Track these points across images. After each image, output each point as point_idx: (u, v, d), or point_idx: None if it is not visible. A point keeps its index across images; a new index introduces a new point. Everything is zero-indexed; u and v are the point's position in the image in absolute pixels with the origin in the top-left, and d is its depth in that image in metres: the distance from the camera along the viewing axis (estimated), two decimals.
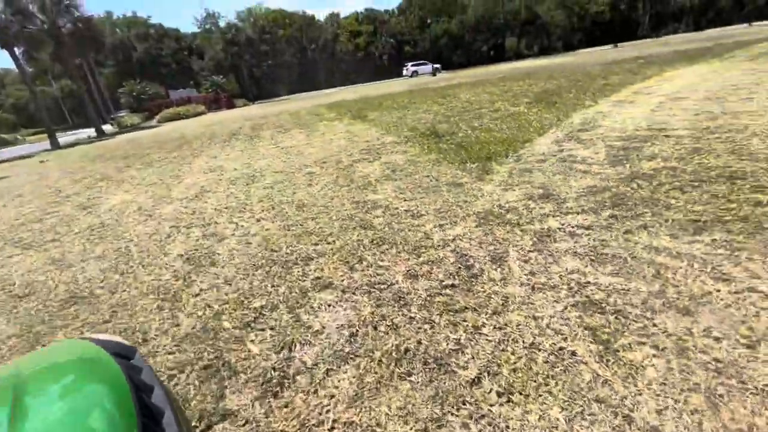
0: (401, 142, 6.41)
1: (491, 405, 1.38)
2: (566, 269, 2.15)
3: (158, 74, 52.52)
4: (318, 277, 2.48)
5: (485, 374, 1.52)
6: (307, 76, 61.80)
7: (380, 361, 1.67)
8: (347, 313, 2.05)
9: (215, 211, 4.30)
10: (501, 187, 3.64)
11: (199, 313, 2.27)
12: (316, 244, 3.00)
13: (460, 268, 2.32)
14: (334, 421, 1.42)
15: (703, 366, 1.41)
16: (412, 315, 1.95)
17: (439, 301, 2.03)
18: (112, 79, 53.02)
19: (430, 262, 2.44)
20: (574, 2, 58.60)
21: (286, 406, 1.52)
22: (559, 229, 2.64)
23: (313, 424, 1.42)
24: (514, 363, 1.55)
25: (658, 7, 59.08)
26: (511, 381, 1.47)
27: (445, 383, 1.50)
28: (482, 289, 2.07)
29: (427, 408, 1.41)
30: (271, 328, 2.02)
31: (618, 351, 1.52)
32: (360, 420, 1.40)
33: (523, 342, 1.65)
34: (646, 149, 4.15)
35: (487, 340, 1.70)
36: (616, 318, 1.71)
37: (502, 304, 1.92)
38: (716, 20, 55.21)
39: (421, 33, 60.17)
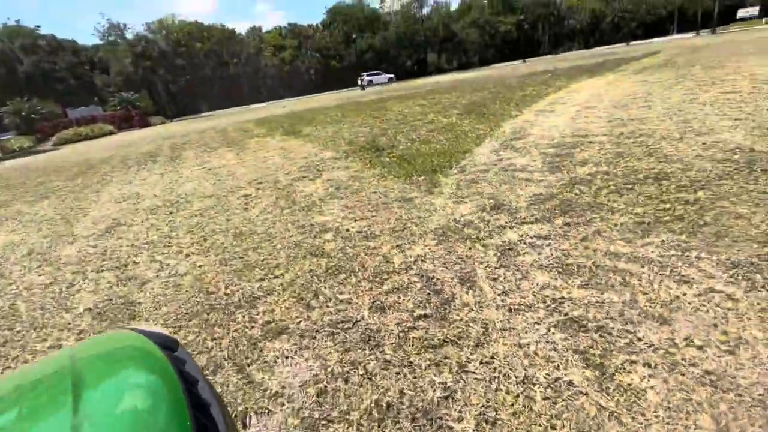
0: (341, 158, 6.18)
1: None
2: (537, 285, 2.07)
3: (52, 90, 46.31)
4: (269, 322, 2.12)
5: (484, 425, 1.32)
6: (231, 91, 59.01)
7: (359, 425, 1.40)
8: (310, 365, 1.74)
9: (132, 249, 3.66)
10: (452, 200, 3.57)
11: None
12: (262, 280, 2.62)
13: (429, 294, 2.14)
14: None
15: (698, 381, 1.36)
16: (387, 358, 1.71)
17: (414, 337, 1.81)
18: None
19: (395, 290, 2.22)
20: (485, 22, 63.84)
21: None
22: (520, 241, 2.59)
23: None
24: (512, 405, 1.38)
25: (555, 29, 66.79)
26: (515, 430, 1.29)
27: None
28: (458, 317, 1.90)
29: None
30: None
31: (614, 375, 1.43)
32: None
33: (516, 377, 1.49)
34: (576, 155, 4.40)
35: (476, 379, 1.51)
36: (600, 336, 1.64)
37: (483, 333, 1.76)
38: (600, 40, 63.89)
39: (347, 48, 61.01)
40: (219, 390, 1.60)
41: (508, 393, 1.43)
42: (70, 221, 5.06)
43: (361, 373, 1.65)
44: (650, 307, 1.77)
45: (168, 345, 0.61)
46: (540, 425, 1.29)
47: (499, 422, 1.33)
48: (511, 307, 1.91)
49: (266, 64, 61.83)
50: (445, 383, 1.52)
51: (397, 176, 4.61)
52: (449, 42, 64.76)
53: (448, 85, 20.00)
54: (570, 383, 1.43)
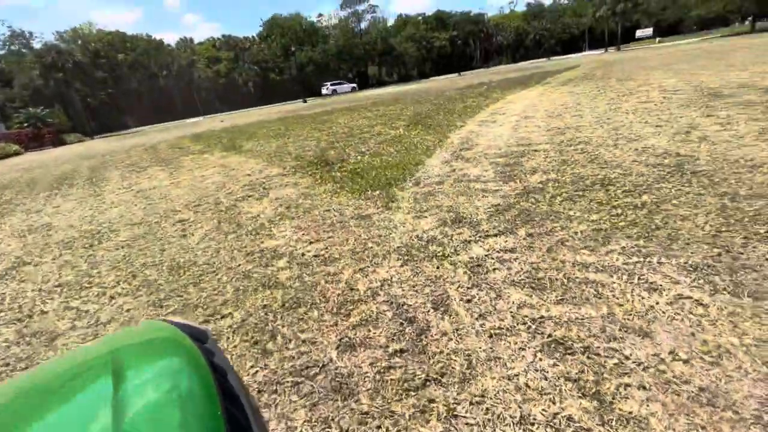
0: (289, 174, 5.84)
1: None
2: (513, 304, 1.97)
3: None
4: None
5: None
6: (162, 105, 55.14)
7: None
8: (272, 429, 1.46)
9: (40, 294, 3.06)
10: (412, 215, 3.43)
11: None
12: (206, 322, 2.26)
13: (402, 324, 1.95)
14: None
15: (695, 400, 1.31)
16: (365, 409, 1.48)
17: (392, 379, 1.60)
18: None
19: (364, 323, 2.00)
20: (421, 37, 66.48)
21: None
22: (487, 256, 2.51)
23: None
24: None
25: (485, 45, 71.40)
26: None
27: None
28: (438, 349, 1.73)
29: None
30: None
31: (612, 404, 1.33)
32: None
33: (511, 417, 1.34)
34: (525, 164, 4.51)
35: (469, 426, 1.34)
36: (588, 357, 1.55)
37: (468, 366, 1.60)
38: (525, 55, 69.46)
39: (286, 60, 60.08)
40: None
41: None
42: None
43: None
44: (629, 319, 1.73)
45: (198, 336, 0.61)
46: None
47: None
48: (492, 332, 1.78)
49: (200, 76, 58.79)
50: None
51: (350, 192, 4.40)
52: (388, 55, 66.42)
53: (390, 98, 20.30)
54: (570, 419, 1.30)
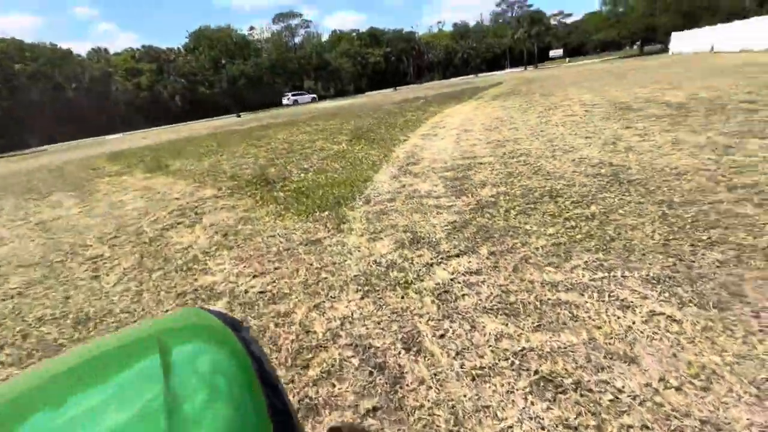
0: (225, 195, 5.31)
1: None
2: (490, 335, 1.81)
3: None
4: None
5: None
6: (73, 120, 49.27)
7: None
8: None
9: None
10: (366, 238, 3.20)
11: None
12: None
13: (371, 372, 1.68)
14: None
15: None
16: None
17: None
18: None
19: (327, 375, 1.70)
20: (356, 53, 67.47)
21: None
22: (453, 280, 2.34)
23: None
24: None
25: (418, 61, 74.45)
26: None
27: None
28: (417, 402, 1.49)
29: None
30: None
31: None
32: None
33: None
34: (473, 177, 4.52)
35: None
36: (581, 395, 1.41)
37: (455, 422, 1.38)
38: (455, 72, 73.57)
39: (216, 74, 57.30)
40: None
41: None
42: None
43: None
44: (610, 344, 1.64)
45: (234, 325, 0.61)
46: None
47: None
48: (474, 373, 1.59)
49: (118, 89, 53.73)
50: None
51: (296, 213, 4.06)
52: (324, 70, 66.32)
53: (329, 112, 20.08)
54: None
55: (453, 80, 50.06)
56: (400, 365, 1.70)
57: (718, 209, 2.77)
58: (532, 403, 1.41)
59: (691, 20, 39.92)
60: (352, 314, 2.14)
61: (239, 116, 35.28)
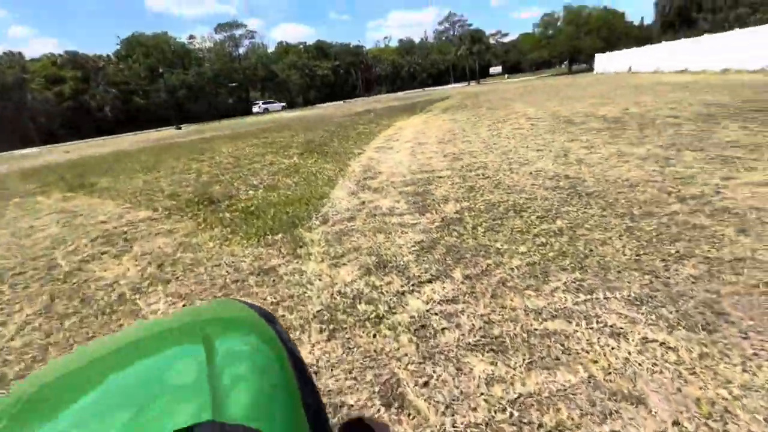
0: (161, 218, 4.71)
1: None
2: (480, 380, 1.58)
3: None
4: None
5: None
6: None
7: None
8: None
9: None
10: (327, 264, 2.88)
11: None
12: None
13: None
14: None
15: None
16: None
17: None
18: None
19: None
20: (304, 65, 66.83)
21: None
22: (429, 311, 2.11)
23: None
24: None
25: (366, 75, 75.35)
26: None
27: None
28: None
29: None
30: None
31: None
32: None
33: None
34: (434, 192, 4.38)
35: None
36: None
37: None
38: (402, 86, 75.44)
39: (152, 83, 53.66)
40: None
41: None
42: None
43: None
44: (611, 381, 1.49)
45: (270, 318, 0.59)
46: None
47: None
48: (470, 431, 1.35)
49: (35, 98, 48.26)
50: None
51: (246, 237, 3.63)
52: (271, 81, 64.79)
53: (279, 124, 19.42)
54: None
55: (400, 94, 51.13)
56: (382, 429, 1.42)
57: (676, 221, 2.83)
58: None
59: (609, 43, 44.47)
60: (317, 361, 1.82)
61: (179, 128, 33.08)
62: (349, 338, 1.96)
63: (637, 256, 2.41)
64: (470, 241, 2.95)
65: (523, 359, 1.66)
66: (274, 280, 2.71)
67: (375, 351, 1.84)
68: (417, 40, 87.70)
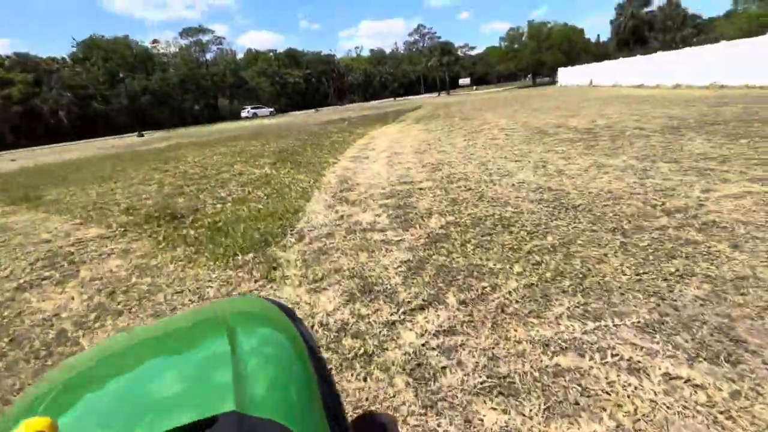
0: (116, 235, 4.23)
1: None
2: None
3: None
4: None
5: None
6: None
7: None
8: None
9: None
10: (305, 288, 2.59)
11: None
12: None
13: None
14: None
15: None
16: None
17: None
18: None
19: None
20: (274, 73, 65.88)
21: None
22: (425, 346, 1.88)
23: None
24: None
25: (338, 84, 75.24)
26: None
27: None
28: None
29: None
30: None
31: None
32: None
33: None
34: (417, 204, 4.18)
35: None
36: None
37: None
38: (374, 95, 75.85)
39: (112, 88, 51.04)
40: None
41: None
42: None
43: None
44: (642, 431, 1.30)
45: (291, 315, 0.61)
46: None
47: None
48: None
49: None
50: None
51: (212, 258, 3.27)
52: (240, 89, 63.28)
53: (248, 132, 18.78)
54: None
55: (373, 102, 51.27)
56: None
57: (668, 236, 2.76)
58: None
59: (570, 58, 46.67)
60: None
61: (142, 135, 31.44)
62: (337, 381, 1.69)
63: (637, 275, 2.29)
64: (460, 260, 2.76)
65: (539, 405, 1.45)
66: None
67: (368, 399, 1.58)
68: (388, 50, 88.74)
